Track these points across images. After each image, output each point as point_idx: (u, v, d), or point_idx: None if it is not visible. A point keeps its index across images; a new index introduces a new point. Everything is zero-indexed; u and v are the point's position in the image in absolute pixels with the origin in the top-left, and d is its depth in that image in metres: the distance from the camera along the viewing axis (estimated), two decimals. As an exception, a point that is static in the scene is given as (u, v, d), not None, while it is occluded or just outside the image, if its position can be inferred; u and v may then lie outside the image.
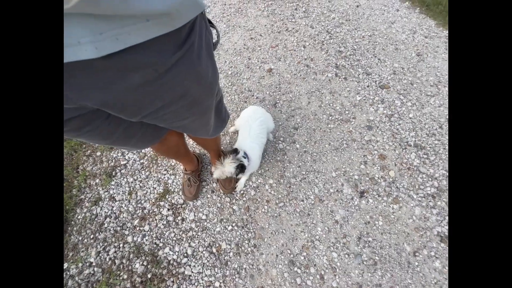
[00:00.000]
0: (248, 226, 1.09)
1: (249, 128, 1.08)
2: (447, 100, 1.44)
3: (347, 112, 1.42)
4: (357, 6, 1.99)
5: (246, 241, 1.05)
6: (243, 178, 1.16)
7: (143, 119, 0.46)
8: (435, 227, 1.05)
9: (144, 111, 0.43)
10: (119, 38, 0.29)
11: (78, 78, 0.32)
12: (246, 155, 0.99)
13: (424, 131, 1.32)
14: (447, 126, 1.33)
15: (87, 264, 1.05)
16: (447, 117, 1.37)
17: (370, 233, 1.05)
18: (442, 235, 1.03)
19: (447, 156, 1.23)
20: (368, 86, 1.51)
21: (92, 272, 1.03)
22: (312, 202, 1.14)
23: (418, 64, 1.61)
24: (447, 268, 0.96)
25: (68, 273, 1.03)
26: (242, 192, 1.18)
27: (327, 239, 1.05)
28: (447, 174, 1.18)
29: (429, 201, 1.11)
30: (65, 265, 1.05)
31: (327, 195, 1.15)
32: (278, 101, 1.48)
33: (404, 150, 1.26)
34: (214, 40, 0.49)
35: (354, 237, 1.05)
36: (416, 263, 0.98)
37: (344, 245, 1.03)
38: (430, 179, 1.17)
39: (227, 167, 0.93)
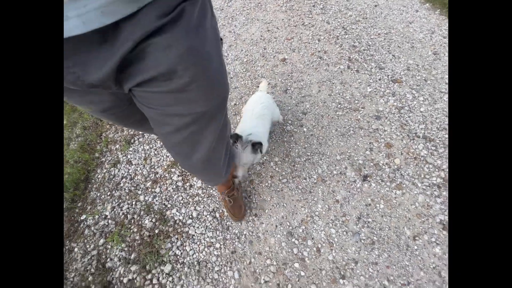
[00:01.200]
0: (251, 197, 1.15)
1: (252, 110, 1.04)
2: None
3: (356, 101, 1.44)
4: (375, 6, 2.02)
5: (248, 210, 1.11)
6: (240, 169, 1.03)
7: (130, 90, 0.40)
8: (438, 215, 1.04)
9: (129, 83, 0.38)
10: (104, 12, 0.27)
11: (81, 56, 0.31)
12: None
13: (434, 125, 1.32)
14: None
15: (103, 216, 1.15)
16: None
17: (370, 214, 1.07)
18: (444, 223, 1.02)
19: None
20: (380, 79, 1.53)
21: (106, 223, 1.13)
22: (315, 181, 1.17)
23: (434, 62, 1.61)
24: (447, 254, 0.95)
25: (85, 223, 1.14)
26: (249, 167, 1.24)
27: (326, 216, 1.08)
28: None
29: (434, 191, 1.11)
30: (83, 216, 1.16)
31: (330, 176, 1.18)
32: (289, 88, 1.54)
33: (412, 141, 1.26)
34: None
35: (354, 216, 1.07)
36: (415, 247, 0.98)
37: (343, 223, 1.05)
38: (437, 169, 1.16)
39: (243, 157, 0.84)
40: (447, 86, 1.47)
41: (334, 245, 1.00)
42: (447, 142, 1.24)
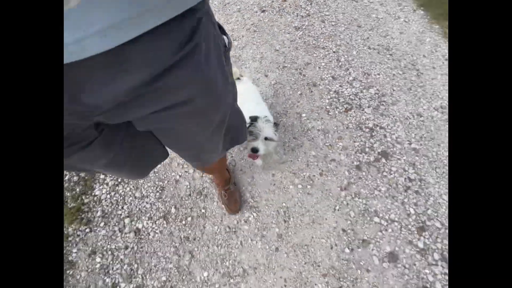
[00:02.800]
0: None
1: (252, 97, 1.02)
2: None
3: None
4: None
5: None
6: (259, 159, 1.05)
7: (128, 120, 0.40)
8: None
9: (132, 115, 0.37)
10: (107, 35, 0.24)
11: (71, 79, 0.27)
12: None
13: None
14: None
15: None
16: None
17: None
18: None
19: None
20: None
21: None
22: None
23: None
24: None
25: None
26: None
27: None
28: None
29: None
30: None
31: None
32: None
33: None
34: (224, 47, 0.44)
35: None
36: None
37: None
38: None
39: (265, 129, 0.87)
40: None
41: None
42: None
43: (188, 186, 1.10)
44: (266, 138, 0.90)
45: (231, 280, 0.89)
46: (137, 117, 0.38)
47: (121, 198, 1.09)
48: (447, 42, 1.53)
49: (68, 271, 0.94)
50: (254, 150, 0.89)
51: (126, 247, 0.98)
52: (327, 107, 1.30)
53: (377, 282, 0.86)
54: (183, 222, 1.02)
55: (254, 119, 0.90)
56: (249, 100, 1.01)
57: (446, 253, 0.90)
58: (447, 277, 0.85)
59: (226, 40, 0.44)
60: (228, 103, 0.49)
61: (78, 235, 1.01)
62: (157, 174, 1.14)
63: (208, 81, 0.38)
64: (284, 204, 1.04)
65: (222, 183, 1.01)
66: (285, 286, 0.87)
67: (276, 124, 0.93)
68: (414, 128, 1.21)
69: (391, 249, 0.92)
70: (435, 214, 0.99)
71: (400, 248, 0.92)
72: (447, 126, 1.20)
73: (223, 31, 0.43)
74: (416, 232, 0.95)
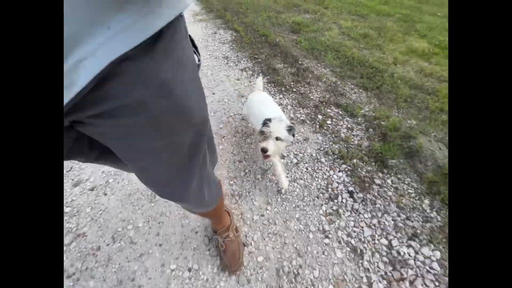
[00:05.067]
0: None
1: (265, 103, 1.12)
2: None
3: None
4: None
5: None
6: (282, 174, 1.02)
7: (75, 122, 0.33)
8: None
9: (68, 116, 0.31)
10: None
11: None
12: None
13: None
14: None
15: None
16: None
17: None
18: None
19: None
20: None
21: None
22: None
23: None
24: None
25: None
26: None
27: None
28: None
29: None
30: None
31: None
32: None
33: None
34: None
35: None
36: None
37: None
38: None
39: (278, 129, 0.89)
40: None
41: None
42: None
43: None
44: (277, 138, 0.91)
45: None
46: (74, 119, 0.31)
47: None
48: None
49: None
50: (264, 150, 0.91)
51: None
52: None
53: None
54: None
55: (267, 120, 0.93)
56: (265, 106, 1.10)
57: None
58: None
59: (196, 58, 0.41)
60: (205, 128, 0.43)
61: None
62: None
63: (164, 83, 0.32)
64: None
65: (221, 228, 0.86)
66: None
67: (290, 128, 0.93)
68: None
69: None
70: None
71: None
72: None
73: (193, 45, 0.41)
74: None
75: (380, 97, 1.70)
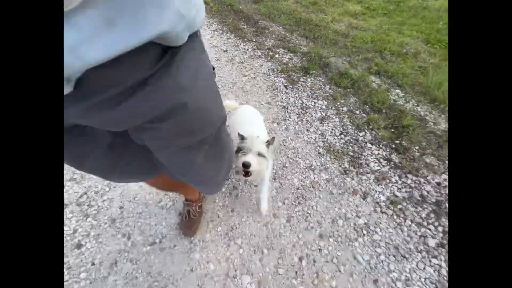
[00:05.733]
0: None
1: (251, 119, 1.05)
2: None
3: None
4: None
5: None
6: (265, 197, 1.02)
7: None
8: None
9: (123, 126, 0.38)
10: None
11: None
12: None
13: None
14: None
15: None
16: (345, 54, 2.20)
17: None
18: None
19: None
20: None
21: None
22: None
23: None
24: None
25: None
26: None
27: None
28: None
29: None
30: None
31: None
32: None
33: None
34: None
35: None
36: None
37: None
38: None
39: (256, 145, 0.83)
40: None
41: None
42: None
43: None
44: (259, 154, 0.84)
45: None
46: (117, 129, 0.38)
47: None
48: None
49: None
50: (245, 165, 0.81)
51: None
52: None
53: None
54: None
55: (242, 137, 0.87)
56: (247, 121, 1.05)
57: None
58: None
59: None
60: (219, 116, 0.48)
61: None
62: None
63: (190, 92, 0.37)
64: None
65: (197, 198, 1.00)
66: None
67: (268, 142, 0.88)
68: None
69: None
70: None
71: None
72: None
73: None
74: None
75: (315, 42, 2.42)
